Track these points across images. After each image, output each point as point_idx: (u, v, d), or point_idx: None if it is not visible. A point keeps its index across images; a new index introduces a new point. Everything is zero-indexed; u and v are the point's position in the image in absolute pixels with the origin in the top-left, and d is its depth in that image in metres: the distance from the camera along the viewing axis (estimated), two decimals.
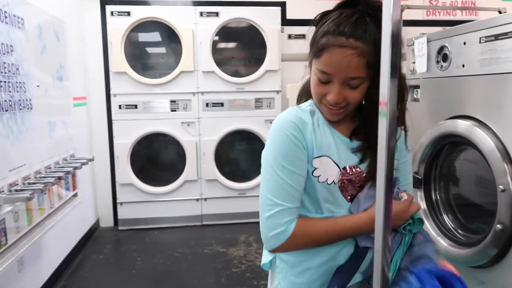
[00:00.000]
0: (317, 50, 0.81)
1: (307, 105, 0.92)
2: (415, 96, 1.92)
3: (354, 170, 0.86)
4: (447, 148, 1.77)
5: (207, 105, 3.19)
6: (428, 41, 1.79)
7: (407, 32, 2.86)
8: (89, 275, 2.45)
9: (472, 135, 1.50)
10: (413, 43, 1.89)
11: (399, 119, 0.86)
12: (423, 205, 1.81)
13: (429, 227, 1.77)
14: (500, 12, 2.61)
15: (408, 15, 3.17)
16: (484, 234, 1.48)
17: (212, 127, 3.21)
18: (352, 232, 0.83)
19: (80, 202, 2.69)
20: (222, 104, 3.21)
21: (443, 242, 1.68)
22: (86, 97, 3.13)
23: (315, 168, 0.85)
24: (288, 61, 3.30)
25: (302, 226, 0.83)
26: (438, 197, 1.81)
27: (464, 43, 1.58)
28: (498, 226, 1.38)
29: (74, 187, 2.55)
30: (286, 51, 3.30)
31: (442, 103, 1.73)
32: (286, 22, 3.33)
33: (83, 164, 2.36)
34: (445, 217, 1.77)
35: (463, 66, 1.59)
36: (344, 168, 0.86)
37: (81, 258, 2.69)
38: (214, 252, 2.76)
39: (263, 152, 0.88)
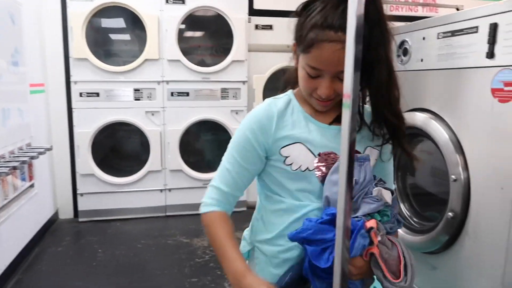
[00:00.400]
0: (305, 46, 0.79)
1: (285, 94, 0.93)
2: None
3: (330, 156, 0.86)
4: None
5: (172, 94, 3.14)
6: None
7: None
8: (47, 268, 2.37)
9: (428, 127, 1.57)
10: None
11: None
12: None
13: None
14: (457, 9, 2.72)
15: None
16: (437, 221, 1.56)
17: (177, 116, 3.16)
18: (224, 268, 0.84)
19: (37, 193, 2.59)
20: (187, 94, 3.17)
21: (399, 230, 1.76)
22: (44, 83, 2.99)
23: (286, 157, 0.86)
24: (255, 52, 3.30)
25: (210, 218, 0.89)
26: (396, 186, 1.89)
27: (423, 38, 1.64)
28: (450, 214, 1.45)
29: (31, 178, 2.45)
30: (253, 42, 3.29)
31: (402, 96, 1.78)
32: (253, 12, 3.31)
33: (40, 153, 2.27)
34: (401, 205, 1.85)
35: (422, 60, 1.65)
36: (320, 154, 0.86)
37: (38, 251, 2.60)
38: (178, 242, 2.74)
39: None
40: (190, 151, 3.34)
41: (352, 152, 0.64)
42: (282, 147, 0.86)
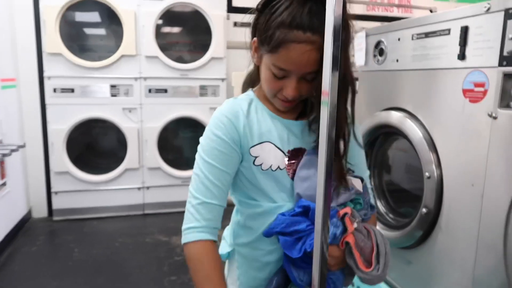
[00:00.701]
0: (272, 46, 0.75)
1: (245, 95, 0.90)
2: None
3: (300, 152, 0.84)
4: (382, 138, 1.88)
5: (150, 91, 3.10)
6: (366, 36, 1.88)
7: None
8: (20, 268, 2.31)
9: (403, 126, 1.61)
10: (353, 37, 1.97)
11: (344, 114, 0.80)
12: None
13: None
14: (431, 11, 2.80)
15: (350, 9, 3.29)
16: (412, 217, 1.61)
17: (155, 113, 3.13)
18: None
19: (9, 191, 2.52)
20: (165, 91, 3.13)
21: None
22: (16, 78, 2.90)
23: (256, 157, 0.83)
24: (233, 49, 3.29)
25: (195, 252, 0.81)
26: (372, 183, 1.93)
27: (399, 39, 1.68)
28: (424, 210, 1.50)
29: (3, 176, 2.38)
30: (231, 39, 3.28)
31: (378, 95, 1.83)
32: (232, 9, 3.30)
33: (13, 150, 2.20)
34: (378, 202, 1.90)
35: (397, 61, 1.69)
36: (289, 152, 0.84)
37: (10, 251, 2.53)
38: (156, 241, 2.72)
39: None
40: (168, 149, 3.31)
41: (331, 151, 0.66)
42: (251, 147, 0.83)
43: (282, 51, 0.74)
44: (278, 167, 0.83)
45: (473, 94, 1.31)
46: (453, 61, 1.38)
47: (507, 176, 1.21)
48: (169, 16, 3.17)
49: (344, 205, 0.83)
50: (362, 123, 1.86)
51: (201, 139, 0.86)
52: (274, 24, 0.74)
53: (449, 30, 1.40)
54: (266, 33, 0.76)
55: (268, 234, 0.83)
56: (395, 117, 1.66)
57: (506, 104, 1.22)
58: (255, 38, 0.82)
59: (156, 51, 3.05)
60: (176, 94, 3.16)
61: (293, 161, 0.84)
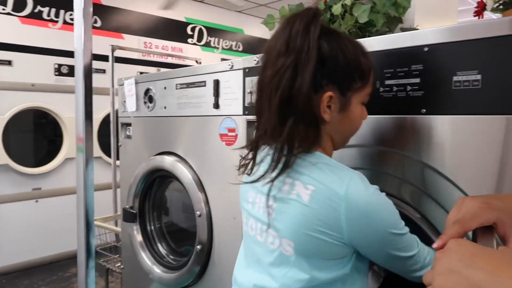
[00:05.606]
0: (366, 75, 0.80)
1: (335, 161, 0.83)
2: (128, 133, 2.01)
3: None
4: (158, 181, 1.93)
5: None
6: (136, 83, 1.93)
7: (122, 71, 2.97)
8: None
9: (175, 170, 1.70)
10: (123, 83, 1.99)
11: None
12: (139, 237, 1.89)
13: (145, 257, 1.85)
14: (197, 62, 3.10)
15: (124, 54, 3.32)
16: (190, 255, 1.68)
17: None
18: None
19: None
20: None
21: (157, 270, 1.80)
22: None
23: None
24: None
25: None
26: (153, 227, 1.94)
27: (165, 88, 1.79)
28: (198, 246, 1.60)
29: None
30: None
31: (151, 140, 1.88)
32: None
33: None
34: (159, 245, 1.91)
35: (165, 107, 1.79)
36: None
37: None
38: None
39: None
40: None
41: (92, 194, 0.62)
42: None
43: (372, 72, 0.81)
44: None
45: (228, 138, 1.50)
46: (210, 109, 1.56)
47: None
48: None
49: None
50: (137, 168, 1.87)
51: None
52: (352, 58, 0.76)
53: (205, 82, 1.58)
54: (352, 69, 0.77)
55: None
56: (167, 161, 1.74)
57: None
58: (328, 94, 0.76)
59: None
60: None
61: None
